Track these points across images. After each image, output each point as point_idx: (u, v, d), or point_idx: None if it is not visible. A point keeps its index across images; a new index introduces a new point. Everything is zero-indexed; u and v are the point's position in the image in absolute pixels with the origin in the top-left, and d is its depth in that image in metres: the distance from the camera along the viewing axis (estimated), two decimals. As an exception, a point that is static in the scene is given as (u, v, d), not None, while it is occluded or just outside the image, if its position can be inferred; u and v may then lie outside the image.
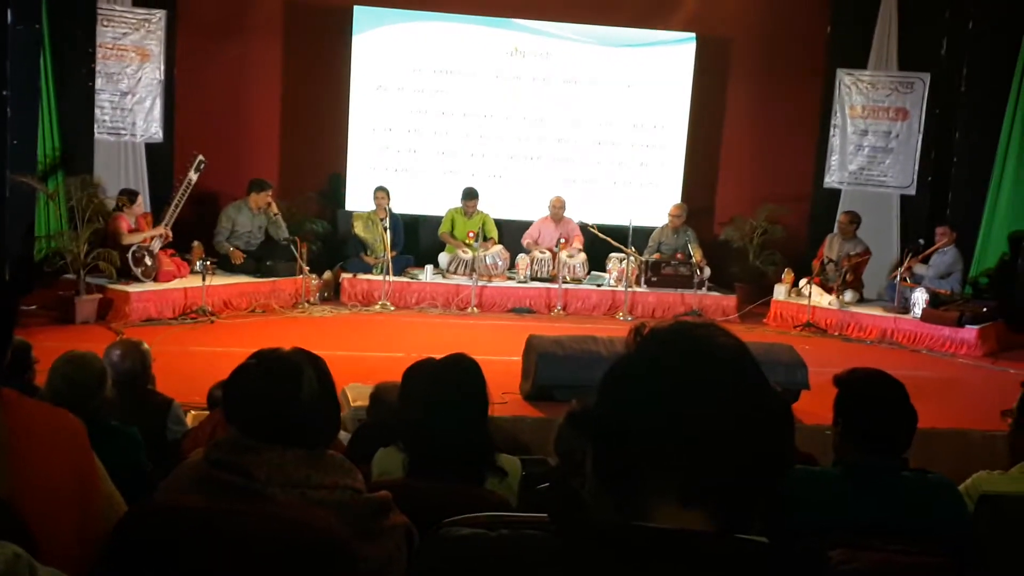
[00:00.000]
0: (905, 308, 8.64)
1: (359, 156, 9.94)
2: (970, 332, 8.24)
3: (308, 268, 8.77)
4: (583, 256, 9.54)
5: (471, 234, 9.25)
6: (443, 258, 9.41)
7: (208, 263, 7.99)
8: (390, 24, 9.86)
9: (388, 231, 8.96)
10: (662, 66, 10.20)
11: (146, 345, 4.05)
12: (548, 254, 9.49)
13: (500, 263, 9.37)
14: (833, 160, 10.27)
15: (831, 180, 10.30)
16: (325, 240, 9.65)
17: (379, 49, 9.84)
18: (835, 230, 9.52)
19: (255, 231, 8.98)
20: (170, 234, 8.32)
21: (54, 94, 8.53)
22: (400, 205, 9.50)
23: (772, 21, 10.34)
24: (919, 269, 8.94)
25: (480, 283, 9.06)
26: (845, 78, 10.13)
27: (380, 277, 8.90)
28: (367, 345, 7.47)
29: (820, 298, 8.99)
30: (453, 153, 10.12)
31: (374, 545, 1.89)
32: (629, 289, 9.11)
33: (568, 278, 9.33)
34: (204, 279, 7.89)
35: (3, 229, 7.83)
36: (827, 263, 9.20)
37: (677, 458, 1.04)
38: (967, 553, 2.34)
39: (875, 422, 2.41)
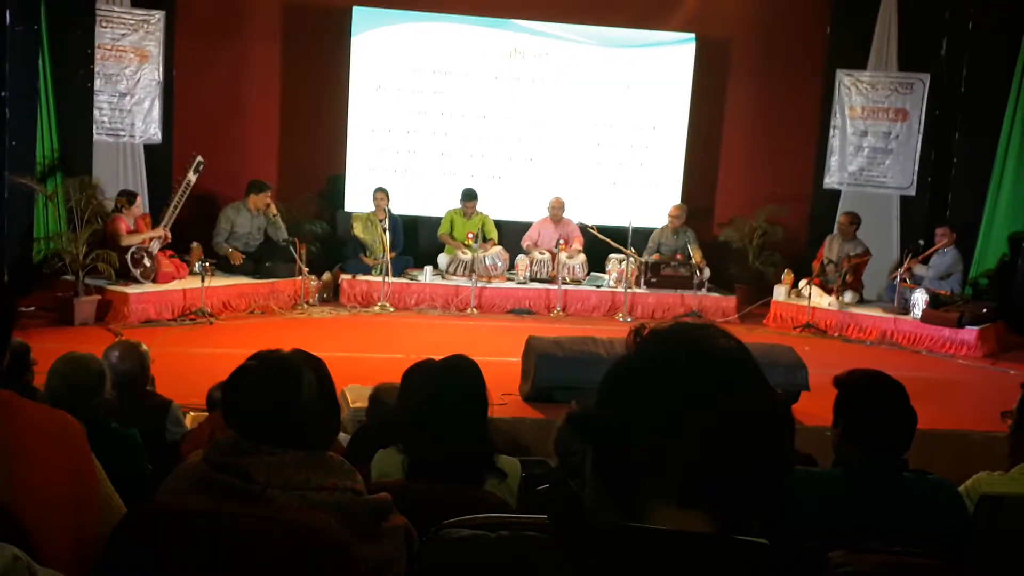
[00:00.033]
0: (905, 309, 8.64)
1: (358, 157, 9.94)
2: (970, 333, 8.24)
3: (307, 269, 8.77)
4: (582, 257, 9.54)
5: (470, 235, 9.25)
6: (442, 259, 9.41)
7: (207, 264, 7.99)
8: (389, 25, 9.86)
9: (387, 232, 8.96)
10: (661, 67, 10.20)
11: (145, 346, 4.04)
12: (547, 255, 9.49)
13: (499, 264, 9.37)
14: (833, 161, 10.28)
15: (831, 181, 10.31)
16: (324, 241, 9.64)
17: (378, 50, 9.84)
18: (835, 231, 9.52)
19: (254, 232, 8.98)
20: (169, 235, 8.32)
21: (53, 95, 8.53)
22: (399, 206, 9.50)
23: (772, 22, 10.35)
24: (919, 270, 8.95)
25: (479, 284, 9.06)
26: (845, 79, 10.14)
27: (379, 278, 8.90)
28: (366, 346, 7.47)
29: (820, 299, 8.99)
30: (452, 154, 10.12)
31: (374, 547, 1.89)
32: (629, 290, 9.11)
33: (568, 279, 9.32)
34: (203, 280, 7.89)
35: (2, 230, 7.83)
36: (827, 264, 9.20)
37: (677, 459, 1.04)
38: (967, 554, 2.34)
39: (875, 423, 2.41)
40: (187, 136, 9.27)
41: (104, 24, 8.89)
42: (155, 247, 8.15)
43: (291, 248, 8.68)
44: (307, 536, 1.72)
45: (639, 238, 9.49)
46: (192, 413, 4.59)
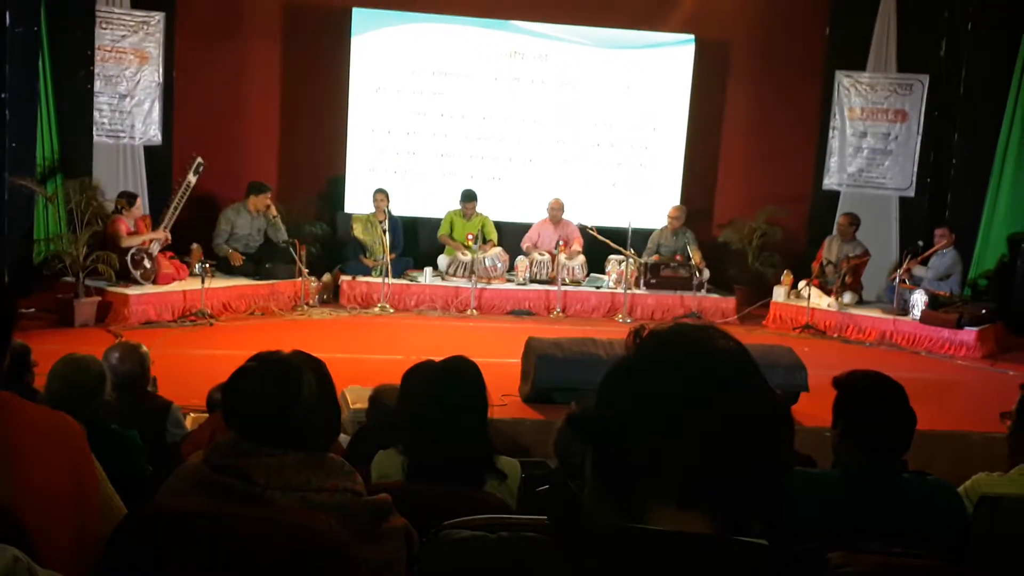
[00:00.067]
0: (904, 310, 8.64)
1: (358, 158, 9.94)
2: (969, 334, 8.25)
3: (307, 270, 8.77)
4: (582, 258, 9.54)
5: (470, 236, 9.25)
6: (442, 260, 9.41)
7: (207, 265, 7.99)
8: (389, 26, 9.87)
9: (387, 233, 8.96)
10: (661, 68, 10.20)
11: (145, 348, 4.05)
12: (547, 256, 9.50)
13: (499, 265, 9.37)
14: (832, 162, 10.28)
15: (830, 182, 10.31)
16: (324, 242, 9.65)
17: (378, 51, 9.85)
18: (834, 232, 9.52)
19: (254, 233, 8.98)
20: (169, 237, 8.33)
21: (53, 97, 8.54)
22: (399, 207, 9.50)
23: (771, 23, 10.35)
24: (918, 271, 8.95)
25: (479, 285, 9.06)
26: (844, 80, 10.14)
27: (379, 279, 8.90)
28: (366, 347, 7.47)
29: (819, 300, 8.99)
30: (452, 155, 10.13)
31: (374, 548, 1.89)
32: (628, 291, 9.12)
33: (567, 280, 9.33)
34: (203, 281, 7.89)
35: (2, 232, 7.83)
36: (826, 265, 9.20)
37: (677, 460, 1.04)
38: (967, 555, 2.34)
39: (874, 424, 2.41)
40: (187, 137, 9.27)
41: (104, 25, 8.89)
42: (155, 248, 8.16)
43: (291, 249, 8.68)
44: (307, 537, 1.72)
45: (638, 239, 9.49)
46: (192, 414, 4.59)
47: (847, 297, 8.96)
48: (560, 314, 9.09)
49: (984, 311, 8.52)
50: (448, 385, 2.63)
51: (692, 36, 10.18)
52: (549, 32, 10.11)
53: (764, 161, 10.56)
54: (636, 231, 9.32)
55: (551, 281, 9.30)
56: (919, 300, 8.52)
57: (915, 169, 9.95)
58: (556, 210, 9.67)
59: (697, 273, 9.19)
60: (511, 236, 9.84)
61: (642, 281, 9.32)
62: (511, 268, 9.46)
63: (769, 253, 9.91)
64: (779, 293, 9.29)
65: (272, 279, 8.66)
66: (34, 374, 3.83)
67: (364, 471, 2.41)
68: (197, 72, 9.60)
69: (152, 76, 9.22)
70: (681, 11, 10.23)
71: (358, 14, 9.75)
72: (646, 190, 10.32)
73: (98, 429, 2.90)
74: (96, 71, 8.81)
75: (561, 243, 9.44)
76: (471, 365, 2.69)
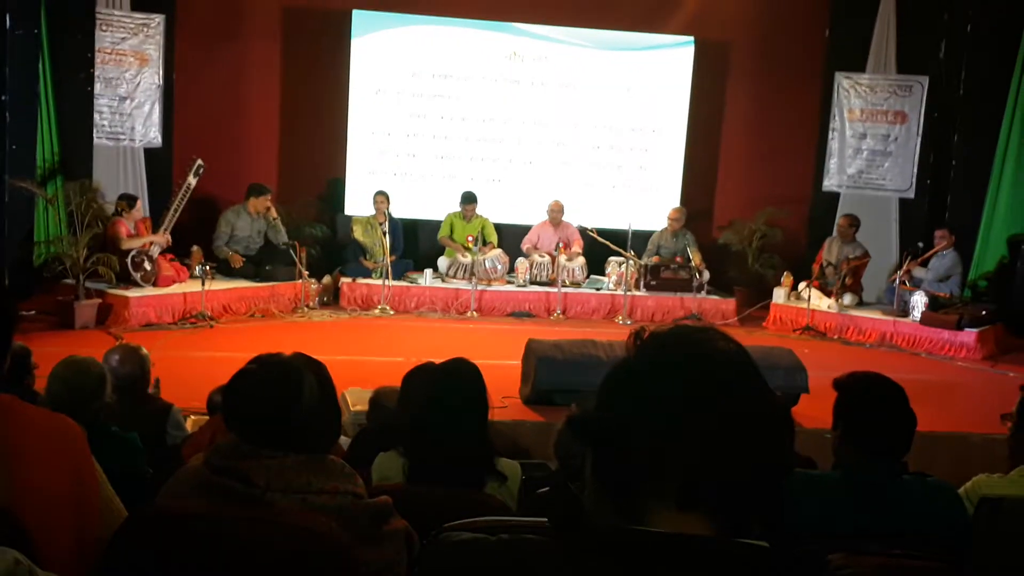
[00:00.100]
0: (904, 311, 8.64)
1: (358, 160, 9.95)
2: (969, 335, 8.25)
3: (307, 272, 8.77)
4: (582, 260, 9.54)
5: (470, 238, 9.26)
6: (442, 262, 9.42)
7: (207, 268, 7.99)
8: (389, 28, 9.87)
9: (387, 235, 8.96)
10: (661, 70, 10.21)
11: (145, 350, 4.05)
12: (547, 258, 9.50)
13: (499, 267, 9.37)
14: (832, 163, 10.28)
15: (830, 183, 10.31)
16: (324, 244, 9.65)
17: (378, 53, 9.85)
18: (834, 233, 9.52)
19: (254, 235, 8.98)
20: (169, 239, 8.33)
21: (53, 99, 8.54)
22: (399, 209, 9.51)
23: (770, 24, 10.36)
24: (918, 272, 8.95)
25: (479, 287, 9.06)
26: (844, 81, 10.15)
27: (380, 281, 8.91)
28: (367, 349, 7.47)
29: (819, 301, 8.99)
30: (452, 157, 10.13)
31: (375, 550, 1.89)
32: (628, 293, 9.12)
33: (567, 282, 9.33)
34: (203, 284, 7.89)
35: (2, 234, 7.83)
36: (826, 266, 9.20)
37: (677, 462, 1.04)
38: (967, 556, 2.34)
39: (875, 425, 2.41)
40: (187, 139, 9.28)
41: (104, 28, 8.90)
42: (155, 251, 8.16)
43: (291, 251, 8.68)
44: (308, 540, 1.72)
45: (638, 241, 9.50)
46: (193, 417, 4.59)
47: (847, 299, 8.96)
48: (560, 316, 9.09)
49: (984, 312, 8.52)
50: (448, 387, 2.63)
51: (692, 38, 10.19)
52: (549, 34, 10.11)
53: (764, 162, 10.56)
54: (636, 233, 9.32)
55: (551, 283, 9.30)
56: (919, 301, 8.52)
57: (915, 170, 9.95)
58: (556, 212, 9.67)
59: (697, 275, 9.19)
60: (511, 238, 9.84)
61: (642, 283, 9.33)
62: (511, 270, 9.46)
63: (769, 255, 9.91)
64: (779, 295, 9.29)
65: (272, 281, 8.66)
66: (34, 376, 3.84)
67: (365, 473, 2.42)
68: (197, 74, 9.61)
69: (152, 78, 9.23)
70: (681, 13, 10.24)
71: (358, 16, 9.76)
72: (646, 192, 10.33)
73: (98, 431, 2.90)
74: (96, 73, 8.81)
75: (561, 245, 9.44)
76: (471, 367, 2.69)
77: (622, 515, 1.06)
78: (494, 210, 9.83)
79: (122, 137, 9.17)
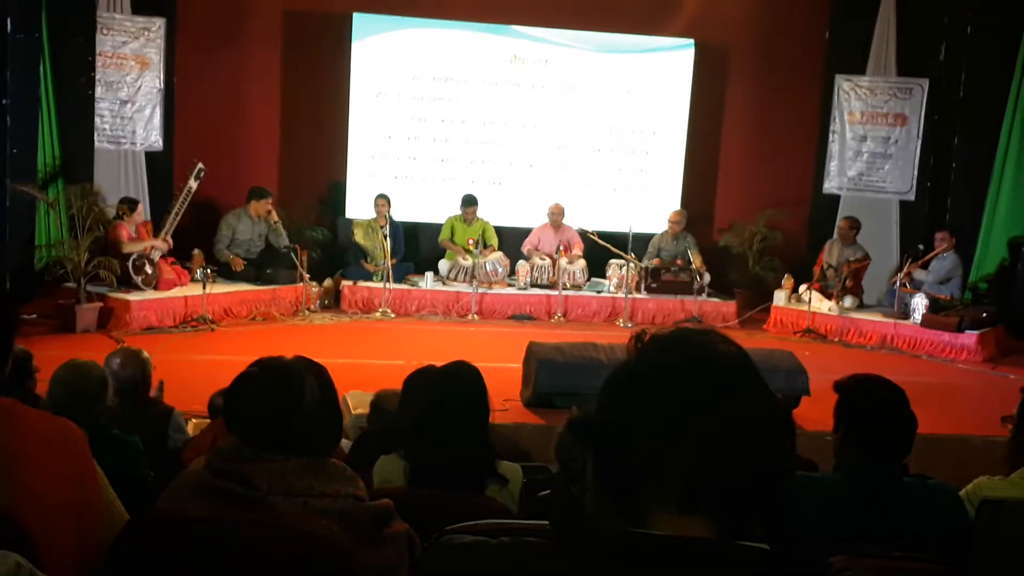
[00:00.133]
0: (905, 314, 8.64)
1: (359, 163, 9.96)
2: (970, 337, 8.25)
3: (308, 276, 8.77)
4: (583, 263, 9.54)
5: (471, 241, 9.26)
6: (443, 265, 9.42)
7: (208, 271, 7.99)
8: (389, 31, 9.88)
9: (388, 238, 8.97)
10: (661, 72, 10.22)
11: (146, 354, 4.05)
12: (548, 261, 9.50)
13: (500, 270, 9.37)
14: (832, 166, 10.28)
15: (830, 186, 10.31)
16: (325, 248, 9.65)
17: (379, 56, 9.86)
18: (835, 236, 9.52)
19: (255, 239, 8.99)
20: (170, 242, 8.34)
21: (54, 103, 8.55)
22: (400, 212, 9.51)
23: (771, 27, 10.36)
24: (919, 275, 8.95)
25: (480, 290, 9.06)
26: (844, 84, 10.15)
27: (380, 284, 8.91)
28: (368, 353, 7.47)
29: (820, 304, 8.99)
30: (453, 160, 10.14)
31: (376, 553, 1.89)
32: (629, 295, 9.12)
33: (568, 285, 9.33)
34: (204, 287, 7.89)
35: (4, 238, 7.84)
36: (827, 269, 9.20)
37: (678, 465, 1.04)
38: (968, 559, 2.34)
39: (875, 428, 2.41)
40: (188, 143, 9.29)
41: (105, 32, 8.91)
42: (156, 254, 8.17)
43: (292, 255, 8.69)
44: (309, 543, 1.72)
45: (639, 243, 9.50)
46: (194, 420, 4.59)
47: (848, 301, 8.96)
48: (561, 319, 9.09)
49: (985, 315, 8.52)
50: (449, 390, 2.64)
51: (692, 41, 10.19)
52: (549, 37, 10.12)
53: (764, 165, 10.57)
54: (637, 235, 9.33)
55: (552, 286, 9.30)
56: (920, 304, 8.51)
57: (915, 173, 9.95)
58: (556, 215, 9.67)
59: (698, 277, 9.19)
60: (512, 241, 9.84)
61: (643, 285, 9.33)
62: (512, 273, 9.47)
63: (770, 257, 9.91)
64: (780, 297, 9.29)
65: (273, 284, 8.66)
66: (36, 380, 3.84)
67: (366, 476, 2.42)
68: (198, 78, 9.62)
69: (153, 82, 9.24)
70: (681, 16, 10.25)
71: (358, 19, 9.77)
72: (646, 194, 10.33)
73: (100, 435, 2.90)
74: (97, 77, 8.82)
75: (562, 248, 9.44)
76: (472, 370, 2.69)
77: (623, 518, 1.06)
78: (495, 213, 9.83)
79: (123, 141, 9.18)
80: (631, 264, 9.18)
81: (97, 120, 8.91)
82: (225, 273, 8.64)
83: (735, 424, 1.05)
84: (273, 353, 2.04)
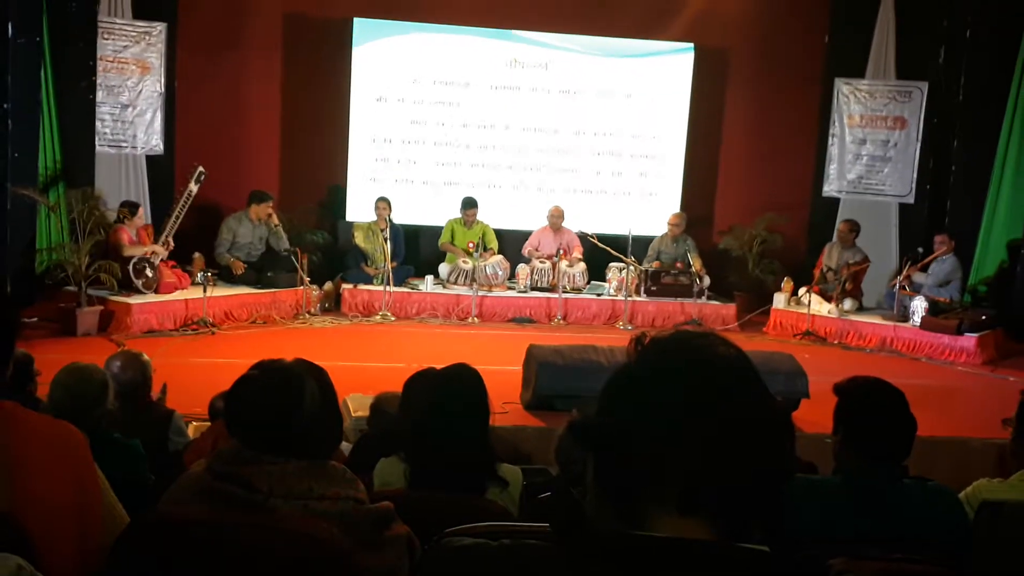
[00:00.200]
0: (904, 316, 8.65)
1: (359, 167, 9.97)
2: (969, 340, 8.25)
3: (309, 279, 8.78)
4: (583, 266, 9.55)
5: (471, 244, 9.27)
6: (443, 268, 9.42)
7: (209, 274, 8.00)
8: (390, 36, 9.89)
9: (388, 242, 8.97)
10: (661, 76, 10.23)
11: (147, 357, 4.05)
12: (548, 264, 9.50)
13: (500, 273, 9.38)
14: (831, 169, 10.29)
15: (830, 189, 10.32)
16: (326, 251, 9.66)
17: (379, 61, 9.88)
18: (834, 238, 9.53)
19: (256, 242, 8.99)
20: (171, 245, 8.34)
21: (55, 107, 8.56)
22: (400, 216, 9.51)
23: (770, 30, 10.37)
24: (918, 277, 8.95)
25: (480, 293, 9.06)
26: (843, 87, 10.16)
27: (381, 287, 8.91)
28: (368, 355, 7.47)
29: (819, 307, 8.99)
30: (453, 164, 10.15)
31: (376, 555, 1.89)
32: (629, 298, 9.12)
33: (568, 288, 9.33)
34: (205, 290, 7.90)
35: (4, 241, 7.84)
36: (826, 272, 9.21)
37: (678, 467, 1.04)
38: (967, 561, 2.34)
39: (875, 430, 2.41)
40: (189, 147, 9.30)
41: (106, 36, 8.92)
42: (157, 258, 8.17)
43: (293, 258, 8.69)
44: (309, 545, 1.72)
45: (639, 246, 9.50)
46: (194, 423, 4.59)
47: (847, 304, 8.97)
48: (561, 321, 9.09)
49: (984, 317, 8.52)
50: (450, 393, 2.64)
51: (691, 44, 10.21)
52: (549, 41, 10.14)
53: (764, 168, 10.57)
54: (636, 238, 9.33)
55: (552, 289, 9.31)
56: (919, 306, 8.52)
57: (914, 176, 9.96)
58: (556, 217, 9.68)
59: (698, 280, 9.20)
60: (512, 244, 9.85)
61: (643, 288, 9.33)
62: (512, 276, 9.47)
63: (769, 260, 9.92)
64: (779, 300, 9.29)
65: (274, 288, 8.67)
66: (37, 383, 3.84)
67: (366, 479, 2.42)
68: (199, 82, 9.63)
69: (154, 86, 9.25)
70: (681, 20, 10.26)
71: (359, 24, 9.79)
72: (646, 197, 10.34)
73: (100, 438, 2.90)
74: (98, 81, 8.83)
75: (562, 251, 9.45)
76: (472, 373, 2.70)
77: (623, 520, 1.07)
78: (495, 216, 9.84)
79: (124, 144, 9.19)
80: (631, 267, 9.19)
81: (98, 124, 8.92)
82: (226, 276, 8.64)
83: (735, 426, 1.05)
84: (273, 356, 2.04)
